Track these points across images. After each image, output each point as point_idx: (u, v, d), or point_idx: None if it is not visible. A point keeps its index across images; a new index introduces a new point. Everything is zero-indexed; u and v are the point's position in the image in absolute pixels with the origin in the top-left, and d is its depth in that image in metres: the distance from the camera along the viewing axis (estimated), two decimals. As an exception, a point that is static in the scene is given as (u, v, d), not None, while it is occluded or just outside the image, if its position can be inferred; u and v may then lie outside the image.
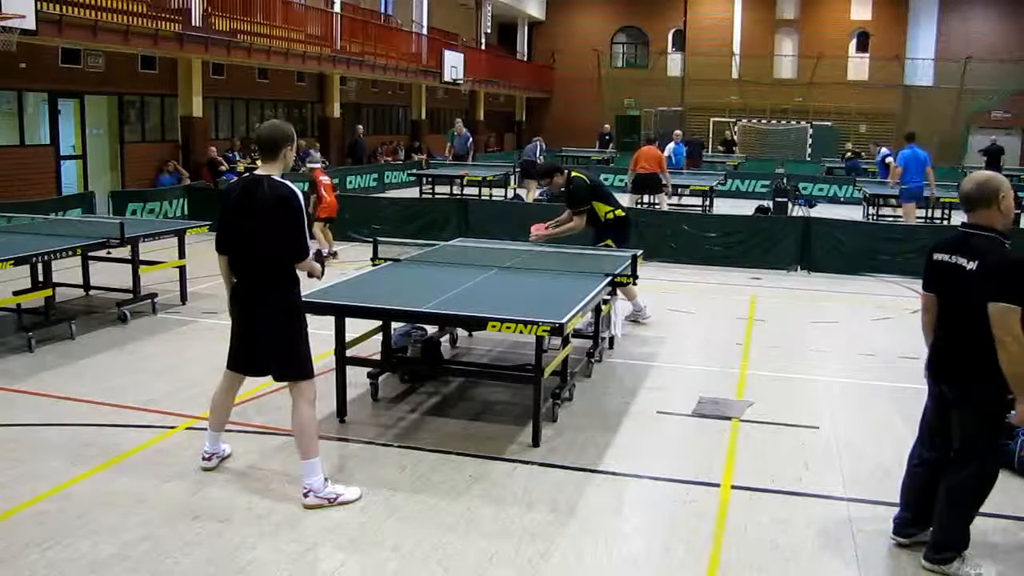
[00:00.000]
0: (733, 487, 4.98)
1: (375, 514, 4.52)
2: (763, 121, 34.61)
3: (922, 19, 35.46)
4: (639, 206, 17.11)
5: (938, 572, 4.05)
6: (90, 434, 5.58)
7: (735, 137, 32.82)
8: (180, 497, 4.66)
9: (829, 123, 34.53)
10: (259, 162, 4.76)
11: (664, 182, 16.88)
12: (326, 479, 4.62)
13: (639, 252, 7.82)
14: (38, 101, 16.46)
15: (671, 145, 20.51)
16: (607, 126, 32.04)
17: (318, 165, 12.54)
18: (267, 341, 4.61)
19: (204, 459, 4.99)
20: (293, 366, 4.64)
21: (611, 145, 30.85)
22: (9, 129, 15.81)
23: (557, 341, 5.87)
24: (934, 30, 35.35)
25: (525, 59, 38.50)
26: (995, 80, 33.54)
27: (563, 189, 8.54)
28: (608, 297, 7.04)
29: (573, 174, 8.57)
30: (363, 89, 27.26)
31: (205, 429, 5.66)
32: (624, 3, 38.39)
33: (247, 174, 4.83)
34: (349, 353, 5.92)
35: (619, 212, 8.66)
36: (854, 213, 17.87)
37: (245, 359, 4.77)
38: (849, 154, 25.35)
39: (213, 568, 3.97)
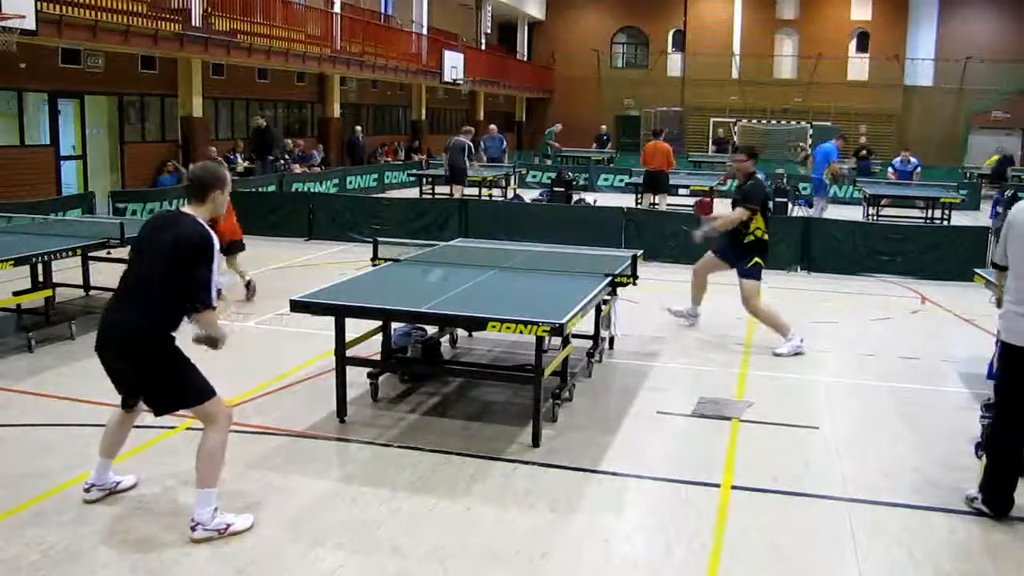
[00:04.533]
0: (733, 487, 4.98)
1: (375, 514, 4.53)
2: (763, 121, 34.60)
3: (922, 19, 35.45)
4: (638, 206, 17.12)
5: None
6: (90, 434, 5.57)
7: (735, 137, 32.78)
8: (180, 497, 4.65)
9: (829, 123, 34.49)
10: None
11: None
12: (216, 509, 4.26)
13: (639, 252, 7.81)
14: (38, 101, 16.46)
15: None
16: (603, 127, 32.07)
17: None
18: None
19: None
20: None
21: (609, 145, 30.84)
22: (9, 129, 15.81)
23: (557, 341, 5.88)
24: (934, 30, 35.34)
25: (525, 59, 38.50)
26: (995, 80, 33.53)
27: (747, 179, 8.02)
28: (608, 297, 7.04)
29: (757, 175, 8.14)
30: (363, 89, 27.26)
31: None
32: (624, 3, 38.38)
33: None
34: (349, 353, 5.91)
35: (765, 236, 8.01)
36: (854, 213, 17.86)
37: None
38: (864, 152, 25.25)
39: (212, 569, 3.97)
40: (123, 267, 4.35)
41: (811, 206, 19.27)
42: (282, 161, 20.28)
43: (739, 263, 8.03)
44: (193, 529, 4.21)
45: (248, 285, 9.68)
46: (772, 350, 7.84)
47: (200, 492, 4.22)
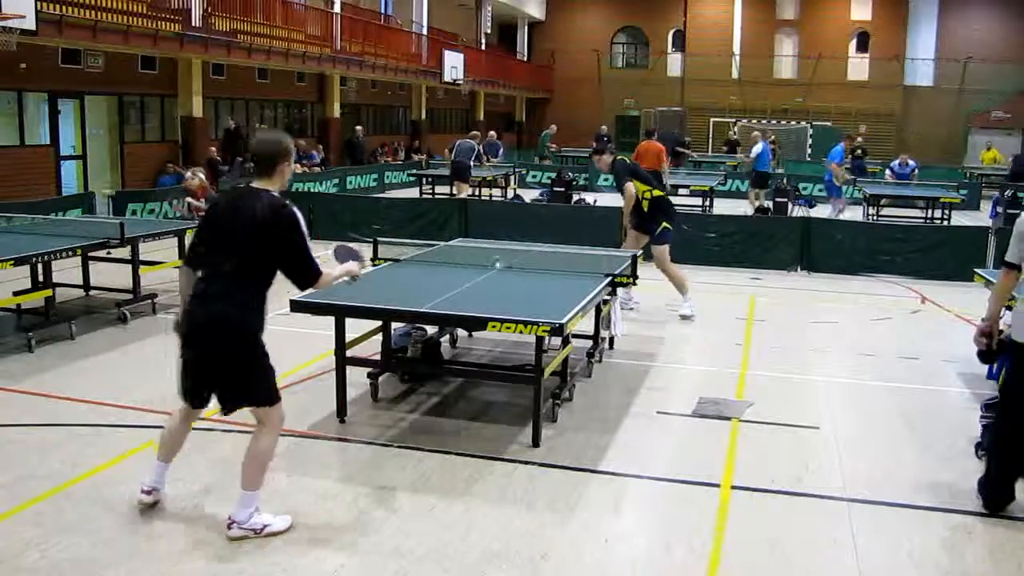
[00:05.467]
0: (733, 487, 4.98)
1: (375, 514, 4.52)
2: (763, 121, 34.60)
3: (922, 19, 35.46)
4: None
5: None
6: (90, 434, 5.58)
7: (737, 137, 32.78)
8: (180, 497, 4.65)
9: (829, 123, 34.52)
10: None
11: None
12: (255, 510, 4.24)
13: (639, 252, 7.82)
14: (38, 101, 16.47)
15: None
16: (603, 127, 32.01)
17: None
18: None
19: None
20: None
21: (610, 145, 30.79)
22: (9, 129, 15.82)
23: (557, 341, 5.87)
24: (934, 30, 35.36)
25: (525, 59, 38.50)
26: (995, 80, 33.55)
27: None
28: (608, 297, 7.04)
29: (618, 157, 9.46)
30: (363, 89, 27.26)
31: (205, 429, 5.68)
32: (624, 3, 38.39)
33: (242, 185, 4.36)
34: (349, 353, 5.91)
35: (656, 192, 9.17)
36: (854, 213, 17.87)
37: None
38: (859, 151, 25.29)
39: (212, 569, 3.97)
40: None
41: (811, 206, 19.39)
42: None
43: (652, 231, 9.09)
44: (229, 527, 4.19)
45: None
46: (678, 312, 9.05)
47: (243, 493, 4.19)
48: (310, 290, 4.29)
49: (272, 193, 4.15)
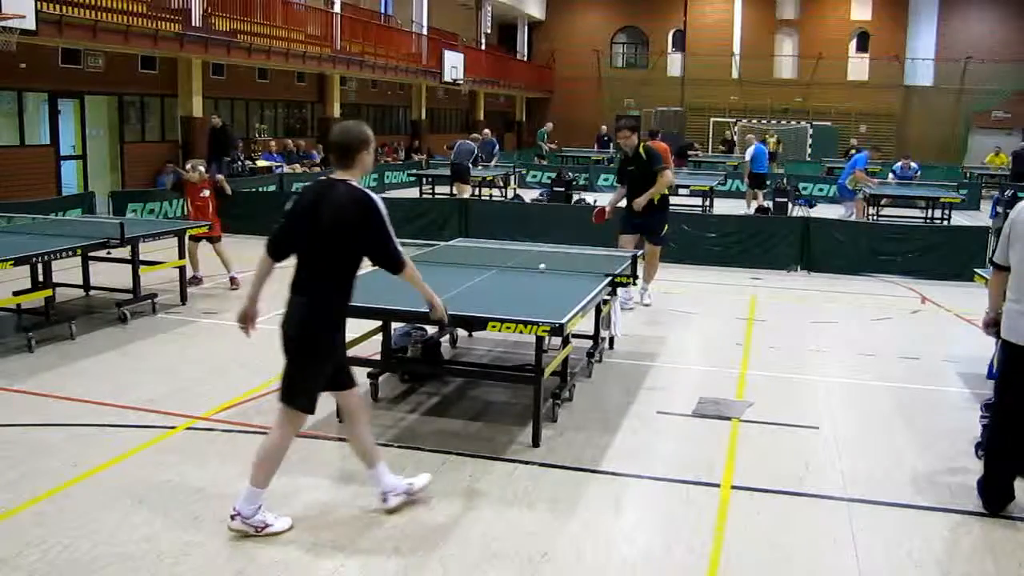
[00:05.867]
0: (733, 487, 4.98)
1: (375, 514, 4.52)
2: (763, 121, 34.62)
3: (922, 19, 35.46)
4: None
5: None
6: (90, 434, 5.58)
7: (735, 138, 32.82)
8: (180, 497, 4.65)
9: (829, 123, 34.53)
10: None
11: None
12: (260, 507, 4.26)
13: (639, 252, 7.81)
14: (38, 101, 16.47)
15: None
16: (604, 127, 31.98)
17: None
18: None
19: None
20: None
21: (611, 145, 30.78)
22: (9, 129, 15.82)
23: (557, 341, 5.87)
24: (934, 30, 35.35)
25: (525, 59, 38.51)
26: (995, 80, 33.55)
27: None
28: (608, 297, 7.04)
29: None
30: (363, 89, 27.26)
31: (205, 429, 5.68)
32: (624, 3, 38.39)
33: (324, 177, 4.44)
34: (349, 353, 5.89)
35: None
36: (842, 210, 17.88)
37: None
38: (854, 151, 25.32)
39: (212, 569, 3.96)
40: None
41: (812, 206, 19.42)
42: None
43: (656, 230, 9.28)
44: (232, 518, 4.23)
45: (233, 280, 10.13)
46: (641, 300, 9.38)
47: (250, 489, 4.22)
48: (408, 272, 4.39)
49: (351, 183, 4.24)
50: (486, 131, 23.65)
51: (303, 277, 4.25)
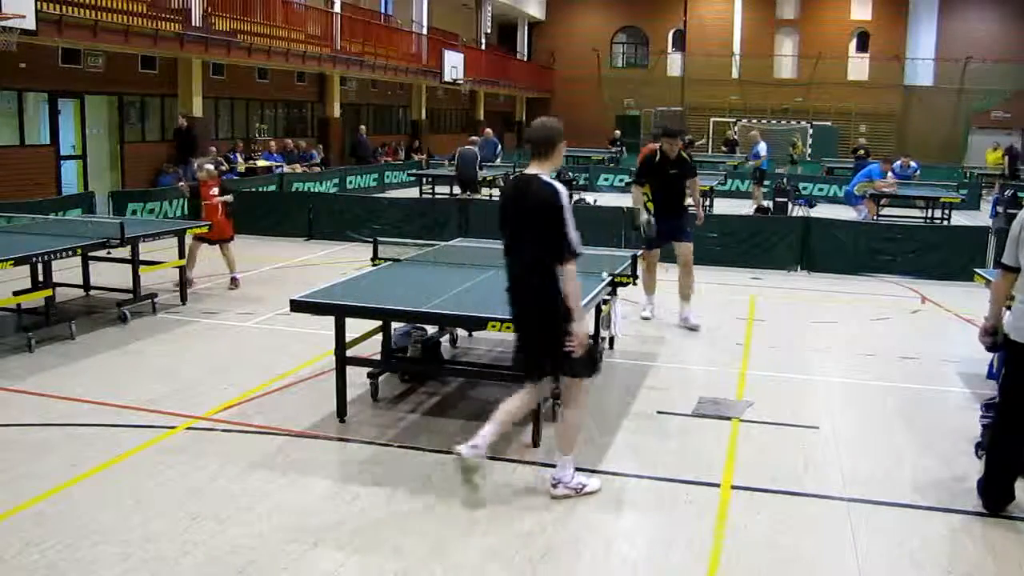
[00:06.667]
0: (733, 487, 4.98)
1: (375, 514, 4.52)
2: (763, 121, 34.62)
3: (922, 19, 35.47)
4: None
5: None
6: (90, 434, 5.58)
7: (736, 137, 32.80)
8: (180, 497, 4.65)
9: (829, 123, 34.53)
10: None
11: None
12: (575, 471, 4.78)
13: (639, 252, 7.80)
14: (38, 101, 16.47)
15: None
16: (617, 132, 31.64)
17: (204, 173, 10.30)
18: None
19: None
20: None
21: (623, 151, 30.56)
22: (9, 129, 15.82)
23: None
24: (934, 30, 35.37)
25: (525, 59, 38.51)
26: (995, 80, 33.55)
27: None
28: (608, 297, 7.03)
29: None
30: (363, 89, 27.26)
31: (205, 429, 5.68)
32: (624, 3, 38.40)
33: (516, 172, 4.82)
34: (349, 353, 5.91)
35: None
36: (855, 213, 17.86)
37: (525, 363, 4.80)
38: (861, 151, 25.26)
39: (212, 569, 3.96)
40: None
41: (812, 206, 19.41)
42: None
43: (688, 233, 8.85)
44: (554, 487, 4.73)
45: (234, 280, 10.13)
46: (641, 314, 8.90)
47: (562, 457, 4.74)
48: (570, 267, 4.57)
49: (543, 176, 4.64)
50: (487, 130, 23.61)
51: (521, 265, 4.67)
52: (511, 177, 4.89)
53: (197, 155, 17.21)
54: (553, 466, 4.85)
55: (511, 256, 4.73)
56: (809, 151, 32.62)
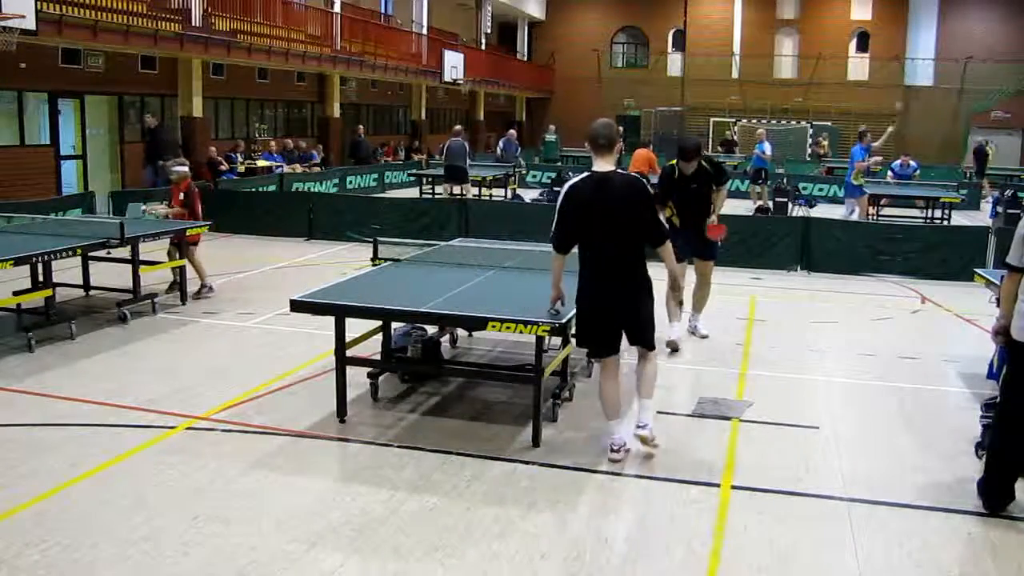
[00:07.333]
0: (733, 487, 4.98)
1: (375, 514, 4.52)
2: (763, 121, 34.58)
3: (922, 19, 35.44)
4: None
5: None
6: (90, 434, 5.58)
7: (735, 137, 32.80)
8: (180, 497, 4.65)
9: (829, 123, 34.52)
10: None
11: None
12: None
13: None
14: (38, 101, 16.46)
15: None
16: (620, 127, 31.67)
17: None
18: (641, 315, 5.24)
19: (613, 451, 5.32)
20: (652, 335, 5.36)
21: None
22: (9, 129, 15.81)
23: (557, 341, 5.87)
24: (934, 30, 35.34)
25: (525, 59, 38.48)
26: (995, 80, 33.53)
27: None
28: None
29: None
30: (363, 89, 27.26)
31: (205, 429, 5.69)
32: (624, 3, 38.37)
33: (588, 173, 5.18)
34: (349, 353, 5.91)
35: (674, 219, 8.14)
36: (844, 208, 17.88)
37: (614, 337, 5.25)
38: (867, 137, 25.17)
39: (213, 568, 3.96)
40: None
41: (812, 206, 19.42)
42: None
43: (716, 251, 8.50)
44: (642, 428, 5.28)
45: (206, 287, 9.63)
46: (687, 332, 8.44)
47: (646, 402, 5.33)
48: (668, 246, 5.21)
49: (619, 171, 5.13)
50: (511, 132, 23.64)
51: (618, 250, 5.06)
52: (580, 179, 5.20)
53: (167, 156, 16.60)
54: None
55: (600, 246, 5.05)
56: (809, 151, 32.58)
